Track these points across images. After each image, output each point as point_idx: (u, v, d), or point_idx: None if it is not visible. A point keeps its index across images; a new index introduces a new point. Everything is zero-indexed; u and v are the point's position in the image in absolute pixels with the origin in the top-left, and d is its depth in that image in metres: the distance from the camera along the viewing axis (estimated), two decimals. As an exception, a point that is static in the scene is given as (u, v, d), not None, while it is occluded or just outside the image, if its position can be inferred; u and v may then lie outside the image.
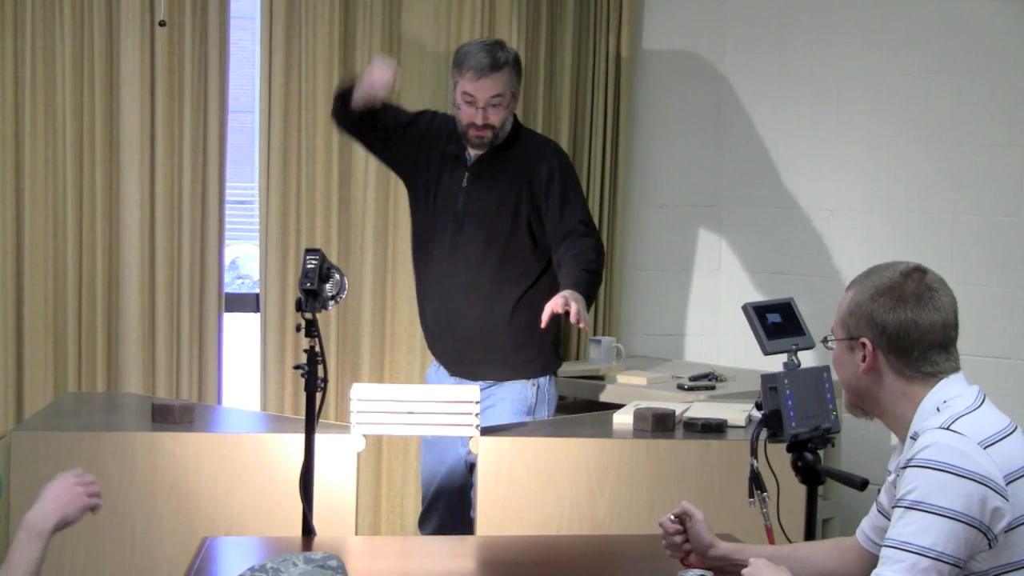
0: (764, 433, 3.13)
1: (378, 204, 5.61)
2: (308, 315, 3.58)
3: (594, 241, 4.60)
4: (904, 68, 5.66)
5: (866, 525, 2.90)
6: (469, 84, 4.55)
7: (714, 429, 4.24)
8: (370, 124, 4.67)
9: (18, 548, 2.83)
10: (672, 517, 3.01)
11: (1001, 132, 5.46)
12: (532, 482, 4.12)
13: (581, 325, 4.26)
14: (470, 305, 4.59)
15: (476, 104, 4.54)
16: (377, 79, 4.54)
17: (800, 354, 3.29)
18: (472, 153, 4.65)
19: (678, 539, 3.00)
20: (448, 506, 4.61)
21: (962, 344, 2.72)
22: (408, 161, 4.77)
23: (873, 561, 2.71)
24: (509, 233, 4.60)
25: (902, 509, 2.53)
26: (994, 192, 5.47)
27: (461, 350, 4.64)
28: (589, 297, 4.40)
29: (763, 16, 6.02)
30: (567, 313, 4.21)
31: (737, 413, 4.36)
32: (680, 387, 5.27)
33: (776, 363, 3.26)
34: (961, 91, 5.53)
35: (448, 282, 4.63)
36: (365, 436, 4.11)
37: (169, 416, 4.25)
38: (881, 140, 5.72)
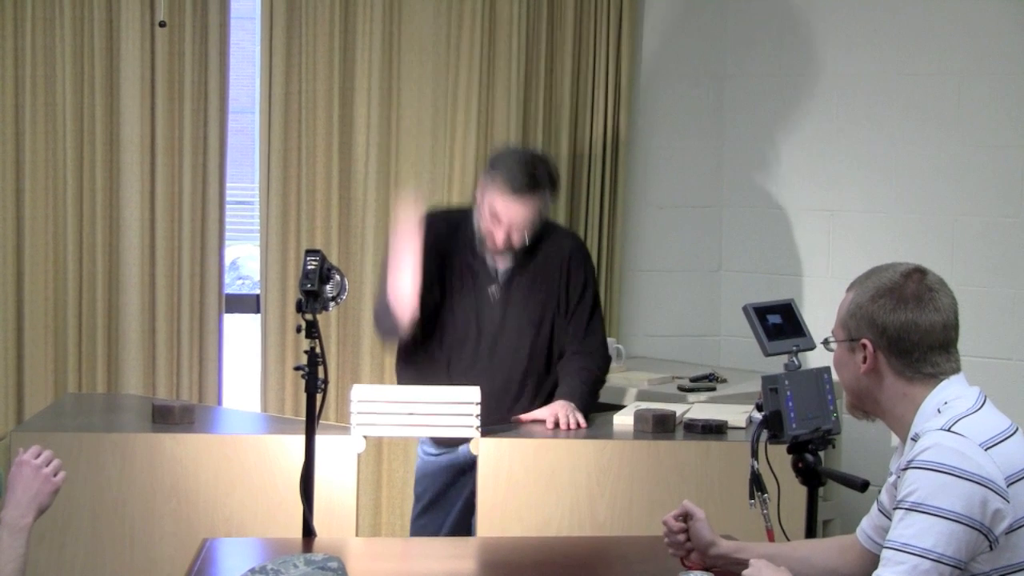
0: (765, 434, 3.13)
1: (378, 204, 5.60)
2: (308, 316, 3.58)
3: (605, 358, 4.56)
4: (904, 68, 5.66)
5: (866, 524, 2.90)
6: (498, 201, 4.25)
7: (715, 430, 4.24)
8: (428, 322, 4.38)
9: (2, 547, 2.86)
10: (675, 516, 3.01)
11: (1001, 133, 5.46)
12: (532, 483, 4.11)
13: (572, 428, 4.26)
14: (498, 396, 4.45)
15: (500, 223, 4.29)
16: (402, 297, 4.22)
17: (801, 355, 3.28)
18: (499, 264, 4.39)
19: (681, 537, 3.01)
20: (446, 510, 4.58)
21: (962, 345, 2.72)
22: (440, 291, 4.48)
23: (873, 560, 2.71)
24: (540, 340, 4.45)
25: (903, 511, 2.53)
26: (994, 193, 5.47)
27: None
28: (586, 404, 4.40)
29: (763, 16, 6.02)
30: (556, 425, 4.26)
31: (737, 414, 4.36)
32: (680, 388, 5.26)
33: (777, 364, 3.25)
34: (961, 91, 5.53)
35: (475, 379, 4.37)
36: (365, 437, 4.10)
37: (169, 417, 4.25)
38: (881, 141, 5.72)
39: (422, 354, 4.43)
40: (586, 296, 4.47)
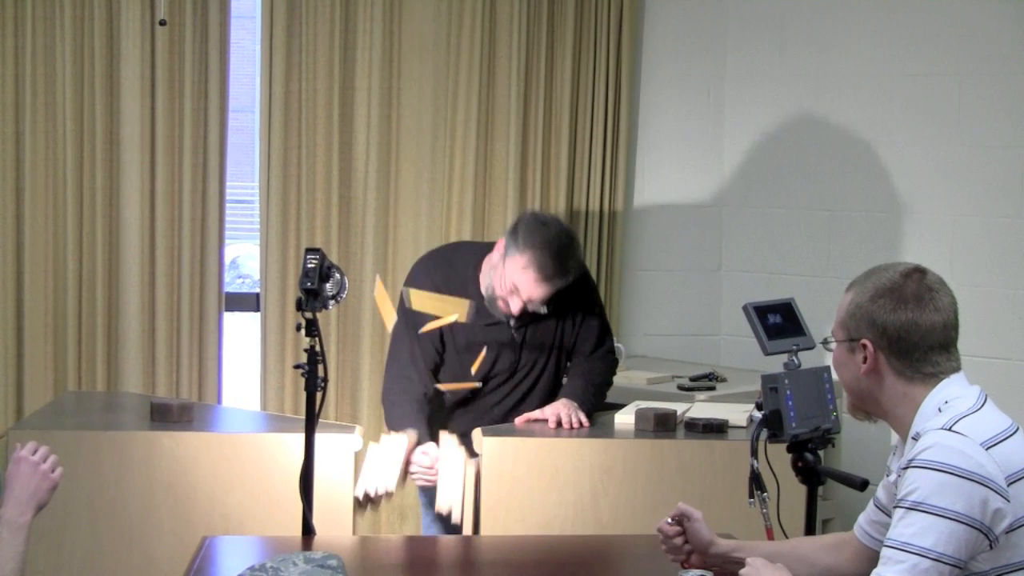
0: (764, 433, 3.13)
1: (378, 203, 5.60)
2: (308, 314, 3.58)
3: (612, 361, 4.56)
4: (904, 68, 5.65)
5: (864, 520, 2.90)
6: (522, 281, 4.17)
7: (715, 429, 4.24)
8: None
9: (2, 545, 2.86)
10: (670, 520, 3.01)
11: (1001, 133, 5.46)
12: (535, 482, 4.11)
13: (574, 427, 4.27)
14: (504, 410, 4.48)
15: (519, 299, 4.22)
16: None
17: (800, 354, 3.28)
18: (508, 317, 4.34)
19: (678, 541, 3.00)
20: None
21: (962, 345, 2.71)
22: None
23: (871, 556, 2.71)
24: (550, 367, 4.46)
25: (903, 510, 2.53)
26: (994, 193, 5.47)
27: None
28: (591, 405, 4.41)
29: (763, 16, 6.02)
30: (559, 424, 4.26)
31: (738, 413, 4.36)
32: (681, 387, 5.26)
33: (776, 363, 3.25)
34: (961, 91, 5.53)
35: (488, 404, 4.46)
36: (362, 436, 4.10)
37: (168, 415, 4.25)
38: (881, 141, 5.72)
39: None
40: (591, 317, 4.46)
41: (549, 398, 4.46)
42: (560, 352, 4.46)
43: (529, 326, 4.38)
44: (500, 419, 4.43)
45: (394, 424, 4.30)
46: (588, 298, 4.48)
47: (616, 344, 5.61)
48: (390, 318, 4.17)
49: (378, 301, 4.21)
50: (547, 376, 4.47)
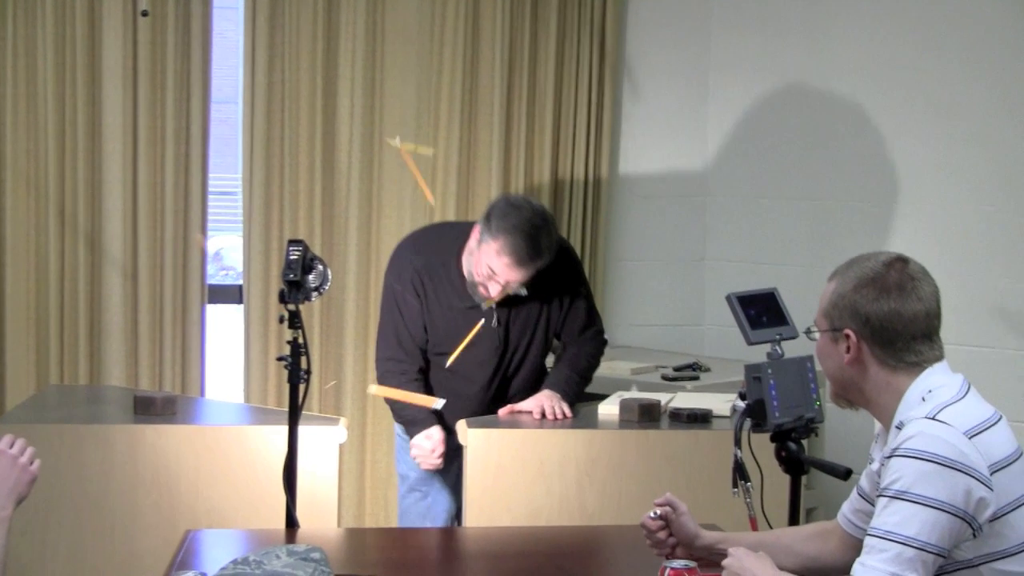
0: (748, 423, 3.12)
1: (361, 195, 5.59)
2: (291, 306, 3.57)
3: (599, 341, 4.55)
4: (890, 58, 5.66)
5: (847, 508, 2.90)
6: (498, 266, 4.17)
7: (700, 419, 4.24)
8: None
9: None
10: (652, 515, 3.00)
11: (986, 123, 5.46)
12: (520, 473, 4.10)
13: (558, 418, 4.27)
14: (492, 393, 4.49)
15: (498, 282, 4.22)
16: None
17: (784, 344, 3.28)
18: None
19: (662, 535, 3.00)
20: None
21: (946, 333, 2.71)
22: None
23: (855, 544, 2.71)
24: (535, 346, 4.46)
25: (887, 499, 2.52)
26: (978, 183, 5.48)
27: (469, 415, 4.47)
28: (575, 394, 4.42)
29: (749, 6, 6.01)
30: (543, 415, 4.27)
31: (721, 403, 4.36)
32: (664, 377, 5.26)
33: (760, 353, 3.25)
34: (946, 83, 5.53)
35: (479, 393, 4.46)
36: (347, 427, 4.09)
37: (151, 408, 4.23)
38: (866, 130, 5.72)
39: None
40: (578, 298, 4.46)
41: (538, 382, 4.46)
42: (547, 334, 4.45)
43: (512, 309, 4.37)
44: (489, 404, 4.43)
45: (409, 422, 4.40)
46: (573, 278, 4.46)
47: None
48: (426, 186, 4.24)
49: (408, 162, 4.35)
50: (532, 359, 4.45)
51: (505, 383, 4.46)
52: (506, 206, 4.24)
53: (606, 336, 4.87)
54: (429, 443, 4.31)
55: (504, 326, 4.38)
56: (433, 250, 4.40)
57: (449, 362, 4.35)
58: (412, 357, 4.39)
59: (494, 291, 4.23)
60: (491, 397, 4.45)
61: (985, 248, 5.47)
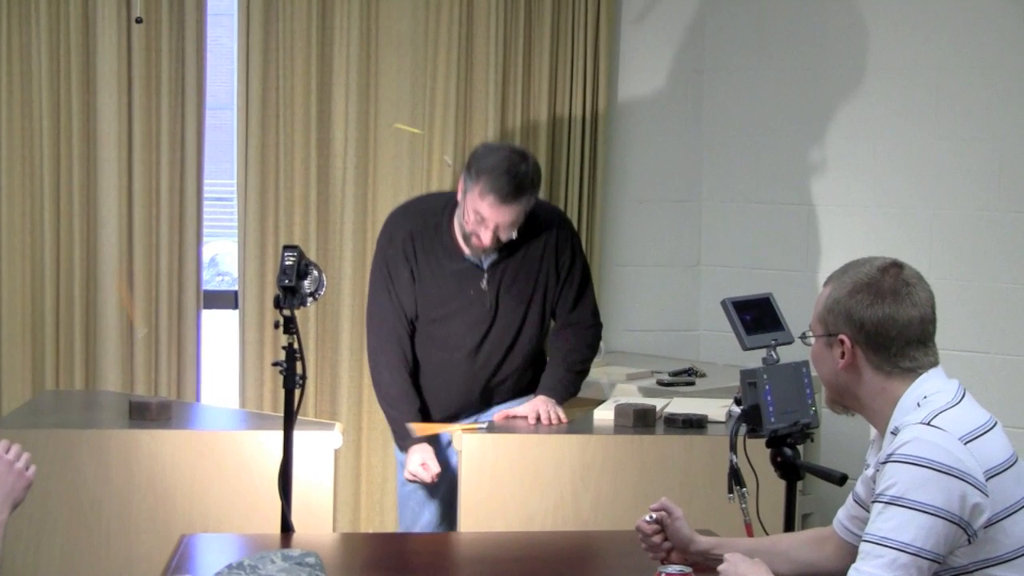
0: (743, 428, 3.12)
1: (356, 201, 5.60)
2: (287, 312, 3.58)
3: (595, 333, 4.54)
4: (883, 64, 5.67)
5: (843, 515, 2.90)
6: (484, 207, 4.16)
7: (695, 425, 4.24)
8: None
9: None
10: (648, 519, 3.00)
11: (978, 127, 5.47)
12: (515, 479, 4.10)
13: (553, 423, 4.28)
14: (486, 372, 4.48)
15: (487, 226, 4.22)
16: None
17: (779, 349, 3.28)
18: (484, 259, 4.35)
19: (657, 539, 3.00)
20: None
21: (941, 338, 2.71)
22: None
23: (851, 550, 2.71)
24: (531, 319, 4.44)
25: (882, 504, 2.53)
26: (972, 187, 5.49)
27: (464, 402, 4.51)
28: (570, 394, 4.44)
29: (742, 11, 6.02)
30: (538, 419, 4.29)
31: (717, 408, 4.36)
32: (660, 383, 5.26)
33: (755, 358, 3.25)
34: (939, 86, 5.54)
35: (467, 368, 4.47)
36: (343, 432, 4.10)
37: (146, 414, 4.23)
38: (860, 135, 5.73)
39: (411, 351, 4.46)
40: (575, 269, 4.45)
41: (533, 374, 4.46)
42: (542, 315, 4.44)
43: (505, 276, 4.37)
44: (479, 391, 4.43)
45: (400, 436, 4.43)
46: (570, 251, 4.45)
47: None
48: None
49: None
50: (525, 341, 4.44)
51: (493, 362, 4.43)
52: (484, 150, 4.31)
53: (601, 345, 4.89)
54: (426, 473, 4.33)
55: (495, 291, 4.37)
56: (426, 212, 4.43)
57: (436, 314, 4.36)
58: (402, 343, 4.39)
59: (486, 238, 4.23)
60: (479, 378, 4.42)
61: (978, 252, 5.47)
